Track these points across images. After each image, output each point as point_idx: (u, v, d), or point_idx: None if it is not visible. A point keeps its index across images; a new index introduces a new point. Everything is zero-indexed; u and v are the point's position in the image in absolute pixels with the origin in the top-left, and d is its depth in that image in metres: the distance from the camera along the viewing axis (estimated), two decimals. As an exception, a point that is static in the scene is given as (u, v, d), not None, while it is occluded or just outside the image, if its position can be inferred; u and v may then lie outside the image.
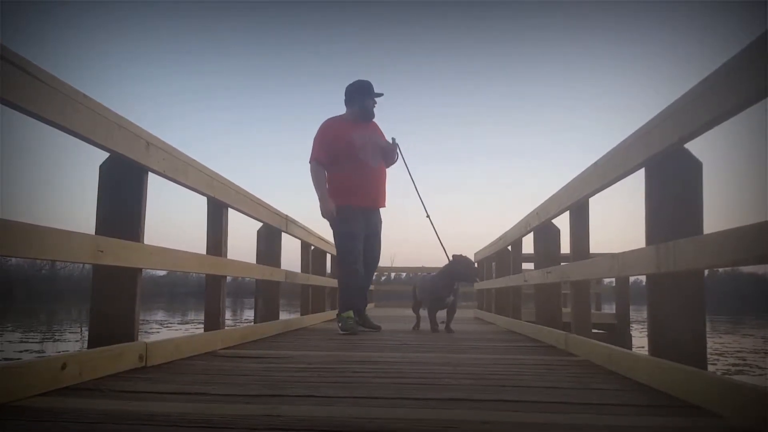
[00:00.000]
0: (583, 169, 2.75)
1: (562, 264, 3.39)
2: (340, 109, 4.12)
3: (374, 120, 4.10)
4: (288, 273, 4.43)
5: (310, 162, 3.93)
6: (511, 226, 4.86)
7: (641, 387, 1.66)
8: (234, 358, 2.30)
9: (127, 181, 2.18)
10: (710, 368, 1.80)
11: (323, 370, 1.97)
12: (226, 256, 3.10)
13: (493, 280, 5.87)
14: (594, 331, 6.10)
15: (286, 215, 4.46)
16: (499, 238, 5.52)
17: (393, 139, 4.08)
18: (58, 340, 9.93)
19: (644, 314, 2.17)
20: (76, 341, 9.50)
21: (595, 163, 2.54)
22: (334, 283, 5.68)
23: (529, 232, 4.07)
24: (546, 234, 3.77)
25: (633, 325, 8.88)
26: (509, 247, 5.10)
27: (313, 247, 5.65)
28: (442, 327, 4.05)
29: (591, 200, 2.82)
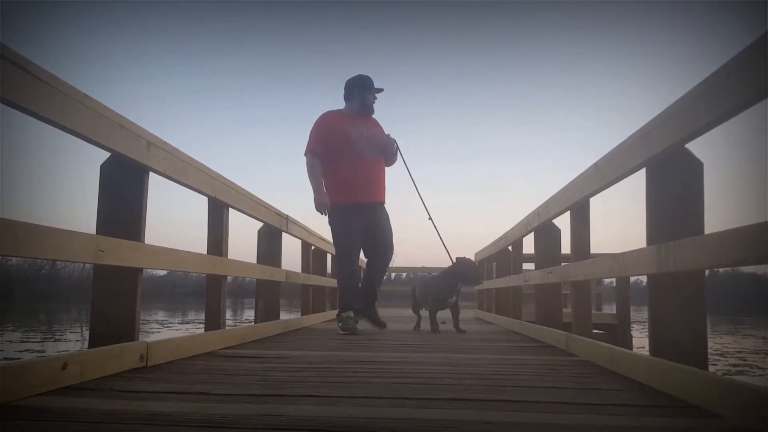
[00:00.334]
0: (583, 169, 2.75)
1: (562, 264, 3.39)
2: (340, 107, 4.09)
3: (374, 117, 4.06)
4: (288, 273, 4.43)
5: (305, 154, 3.86)
6: (512, 226, 4.86)
7: (642, 387, 1.66)
8: (234, 358, 2.30)
9: (128, 181, 2.19)
10: (711, 369, 1.80)
11: (324, 370, 1.97)
12: (226, 256, 3.10)
13: (493, 281, 5.86)
14: (594, 331, 6.11)
15: (287, 215, 4.46)
16: (500, 238, 5.53)
17: (388, 135, 4.04)
18: (58, 339, 9.94)
19: (645, 314, 2.17)
20: (77, 341, 9.51)
21: (596, 163, 2.54)
22: (334, 283, 5.68)
23: (529, 232, 4.07)
24: (547, 234, 3.77)
25: (633, 326, 8.88)
26: (510, 247, 5.10)
27: (313, 247, 5.65)
28: (442, 327, 4.05)
29: (592, 200, 2.82)
